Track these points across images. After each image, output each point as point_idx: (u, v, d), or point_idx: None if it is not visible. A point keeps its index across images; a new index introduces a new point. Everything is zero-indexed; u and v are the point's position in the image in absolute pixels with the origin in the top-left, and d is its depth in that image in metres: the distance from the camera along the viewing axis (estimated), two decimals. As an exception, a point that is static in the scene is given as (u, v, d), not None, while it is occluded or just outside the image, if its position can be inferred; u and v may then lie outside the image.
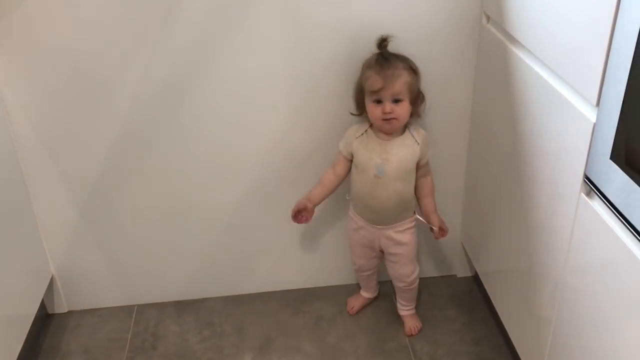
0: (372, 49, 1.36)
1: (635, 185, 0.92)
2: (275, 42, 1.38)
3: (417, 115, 1.34)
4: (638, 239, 0.92)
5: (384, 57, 1.28)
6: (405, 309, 1.56)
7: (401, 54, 1.31)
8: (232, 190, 1.59)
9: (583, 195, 1.09)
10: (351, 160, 1.38)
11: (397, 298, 1.57)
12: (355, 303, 1.62)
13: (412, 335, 1.54)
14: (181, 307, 1.69)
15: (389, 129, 1.30)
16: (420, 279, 1.57)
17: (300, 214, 1.40)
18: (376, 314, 1.66)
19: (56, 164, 1.48)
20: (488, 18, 1.42)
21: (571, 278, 1.14)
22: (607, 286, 1.02)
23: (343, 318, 1.65)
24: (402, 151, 1.32)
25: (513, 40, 1.29)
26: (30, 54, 1.34)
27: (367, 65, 1.30)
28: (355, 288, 1.71)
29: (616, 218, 0.98)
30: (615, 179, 0.98)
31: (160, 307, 1.69)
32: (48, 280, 1.58)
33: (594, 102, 1.01)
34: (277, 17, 1.36)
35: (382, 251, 1.48)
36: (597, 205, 1.04)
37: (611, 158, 0.98)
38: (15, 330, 1.37)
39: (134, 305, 1.70)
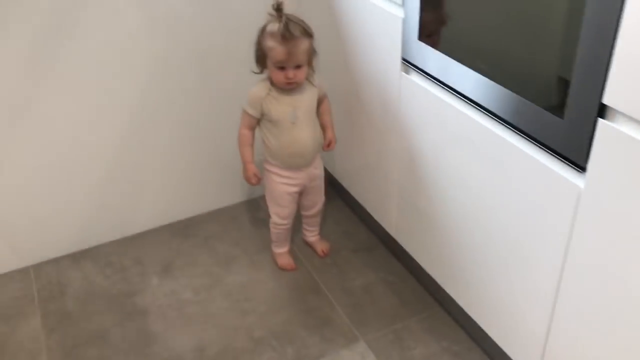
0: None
1: (435, 52, 1.19)
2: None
3: (312, 70, 1.48)
4: (449, 91, 1.21)
5: (288, 29, 1.36)
6: (313, 235, 1.76)
7: (298, 20, 1.40)
8: (107, 138, 1.68)
9: (403, 73, 1.34)
10: (259, 119, 1.49)
11: (306, 227, 1.75)
12: (289, 261, 1.71)
13: (325, 255, 1.74)
14: (75, 257, 1.78)
15: (291, 88, 1.45)
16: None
17: (256, 178, 1.53)
18: (254, 222, 1.88)
19: None
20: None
21: (404, 140, 1.41)
22: (434, 134, 1.30)
23: (228, 234, 1.85)
24: (307, 96, 1.49)
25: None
26: None
27: (271, 35, 1.38)
28: (232, 210, 1.94)
29: (428, 81, 1.26)
30: (423, 53, 1.24)
31: (55, 262, 1.77)
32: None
33: (400, 2, 1.26)
34: None
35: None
36: (414, 77, 1.31)
37: (419, 39, 1.24)
38: None
39: (29, 266, 1.76)
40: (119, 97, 1.65)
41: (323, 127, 1.59)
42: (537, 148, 1.03)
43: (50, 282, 1.70)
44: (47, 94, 1.55)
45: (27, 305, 1.63)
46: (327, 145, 1.58)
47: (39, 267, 1.75)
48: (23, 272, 1.74)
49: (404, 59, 1.33)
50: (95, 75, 1.58)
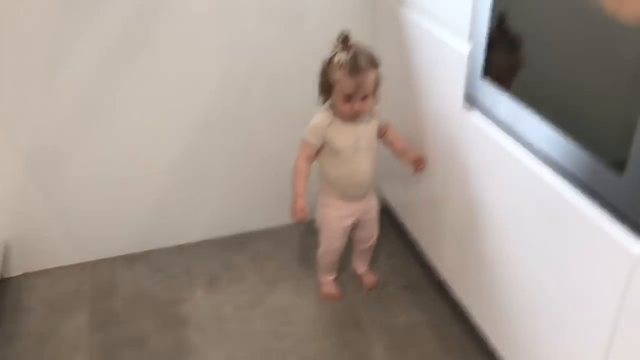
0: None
1: (500, 93, 1.13)
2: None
3: (376, 100, 1.44)
4: (509, 134, 1.15)
5: (356, 61, 1.34)
6: (364, 266, 1.73)
7: (366, 50, 1.37)
8: (172, 148, 1.73)
9: (465, 110, 1.29)
10: (318, 150, 1.46)
11: (356, 260, 1.72)
12: (334, 289, 1.68)
13: (371, 289, 1.69)
14: (130, 259, 1.83)
15: (356, 119, 1.43)
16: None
17: (303, 213, 1.46)
18: (306, 245, 1.85)
19: (6, 131, 1.57)
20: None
21: (463, 179, 1.35)
22: (492, 177, 1.23)
23: (278, 254, 1.84)
24: (369, 126, 1.47)
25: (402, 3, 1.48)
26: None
27: (339, 67, 1.35)
28: (286, 230, 1.92)
29: (489, 120, 1.20)
30: (487, 92, 1.19)
31: (110, 261, 1.82)
32: (2, 246, 1.68)
33: (467, 36, 1.21)
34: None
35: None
36: (475, 115, 1.26)
37: (483, 77, 1.18)
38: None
39: (86, 262, 1.82)
40: (187, 110, 1.69)
41: (403, 152, 1.56)
42: (598, 207, 0.95)
43: (102, 281, 1.75)
44: (119, 100, 1.61)
45: (78, 299, 1.68)
46: (418, 165, 1.53)
47: (95, 265, 1.82)
48: (80, 267, 1.81)
49: (466, 96, 1.27)
50: (166, 87, 1.63)
